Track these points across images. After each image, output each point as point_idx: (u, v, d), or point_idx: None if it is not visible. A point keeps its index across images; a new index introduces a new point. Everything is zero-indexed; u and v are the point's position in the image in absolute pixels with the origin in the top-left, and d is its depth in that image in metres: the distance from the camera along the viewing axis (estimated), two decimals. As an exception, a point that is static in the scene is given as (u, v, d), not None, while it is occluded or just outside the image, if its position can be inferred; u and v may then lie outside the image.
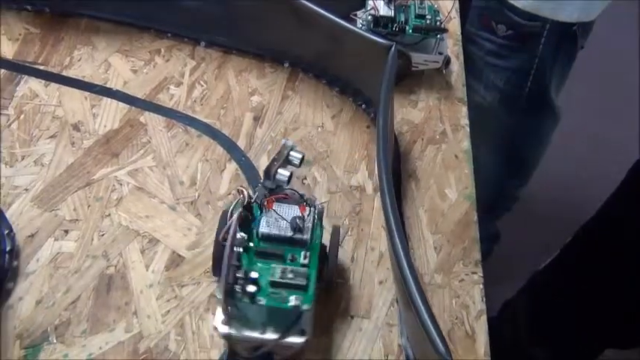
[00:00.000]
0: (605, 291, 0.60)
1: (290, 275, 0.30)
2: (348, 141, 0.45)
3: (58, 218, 0.38)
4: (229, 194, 0.40)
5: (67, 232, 0.37)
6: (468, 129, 0.46)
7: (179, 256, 0.37)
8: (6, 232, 0.36)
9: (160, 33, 0.50)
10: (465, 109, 0.48)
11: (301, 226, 0.32)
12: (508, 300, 0.75)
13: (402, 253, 0.29)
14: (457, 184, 0.43)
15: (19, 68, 0.46)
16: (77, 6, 0.50)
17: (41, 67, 0.46)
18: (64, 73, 0.46)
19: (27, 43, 0.48)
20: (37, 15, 0.50)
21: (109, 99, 0.45)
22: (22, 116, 0.43)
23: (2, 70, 0.45)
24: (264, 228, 0.32)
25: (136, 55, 0.48)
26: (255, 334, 0.29)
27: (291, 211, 0.32)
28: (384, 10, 0.47)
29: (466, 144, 0.45)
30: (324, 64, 0.48)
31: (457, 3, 0.50)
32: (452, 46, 0.52)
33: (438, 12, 0.48)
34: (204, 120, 0.44)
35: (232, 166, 0.42)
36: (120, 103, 0.45)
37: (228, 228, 0.30)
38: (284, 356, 0.31)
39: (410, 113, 0.47)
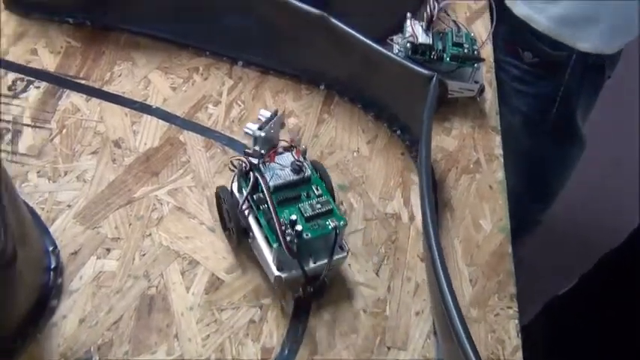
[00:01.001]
0: (628, 319, 0.60)
1: (318, 206, 0.35)
2: (384, 167, 0.45)
3: (100, 236, 0.38)
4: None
5: (109, 250, 0.38)
6: (502, 159, 0.47)
7: (218, 279, 0.38)
8: (51, 248, 0.37)
9: (198, 50, 0.50)
10: (498, 139, 0.48)
11: (301, 166, 0.36)
12: (525, 324, 0.75)
13: (445, 288, 0.30)
14: (492, 215, 0.43)
15: (62, 82, 0.47)
16: (118, 20, 0.50)
17: (82, 82, 0.47)
18: (105, 89, 0.47)
19: (68, 56, 0.48)
20: (78, 28, 0.50)
21: (149, 116, 0.46)
22: (64, 131, 0.44)
23: (45, 84, 0.46)
24: (272, 182, 0.35)
25: (175, 72, 0.49)
26: (310, 265, 0.34)
27: (287, 158, 0.36)
28: (422, 38, 0.47)
29: (500, 174, 0.46)
30: (359, 88, 0.48)
31: (492, 29, 0.51)
32: (485, 72, 0.53)
33: (475, 40, 0.49)
34: (242, 141, 0.45)
35: (270, 189, 0.43)
36: (160, 120, 0.45)
37: (264, 193, 0.34)
38: (330, 277, 0.36)
39: (444, 141, 0.48)
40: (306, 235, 0.34)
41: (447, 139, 0.48)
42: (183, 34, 0.50)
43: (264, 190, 0.34)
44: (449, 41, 0.48)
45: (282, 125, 0.38)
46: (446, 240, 0.41)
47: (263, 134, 0.36)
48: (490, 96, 0.51)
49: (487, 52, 0.54)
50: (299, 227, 0.33)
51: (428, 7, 0.48)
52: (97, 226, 0.39)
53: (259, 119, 0.37)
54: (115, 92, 0.47)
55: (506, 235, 0.42)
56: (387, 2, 0.53)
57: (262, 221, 0.35)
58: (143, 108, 0.46)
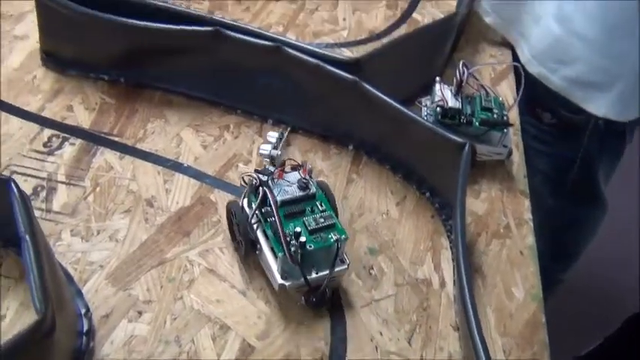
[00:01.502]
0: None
1: (321, 220, 0.37)
2: (413, 230, 0.45)
3: (132, 298, 0.38)
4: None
5: (140, 313, 0.38)
6: (532, 224, 0.47)
7: (249, 345, 0.37)
8: (83, 311, 0.36)
9: (229, 109, 0.51)
10: (527, 203, 0.48)
11: (307, 184, 0.39)
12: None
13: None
14: (523, 282, 0.43)
15: (96, 139, 0.47)
16: (152, 79, 0.52)
17: (116, 139, 0.48)
18: (138, 146, 0.48)
19: (103, 113, 0.49)
20: (112, 85, 0.52)
21: (181, 174, 0.46)
22: (97, 189, 0.44)
23: (80, 140, 0.47)
24: (279, 197, 0.38)
25: (206, 130, 0.50)
26: (312, 275, 0.37)
27: (294, 176, 0.39)
28: (452, 102, 0.48)
29: (530, 240, 0.46)
30: (388, 150, 0.49)
31: (519, 96, 0.51)
32: (511, 135, 0.53)
33: (504, 105, 0.49)
34: (273, 201, 0.45)
35: (300, 252, 0.42)
36: (191, 179, 0.46)
37: (271, 207, 0.37)
38: (332, 288, 0.39)
39: (473, 204, 0.48)
40: (310, 246, 0.36)
41: (476, 202, 0.48)
42: (214, 92, 0.51)
43: (272, 203, 0.37)
44: (478, 105, 0.49)
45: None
46: (478, 308, 0.41)
47: (279, 153, 0.41)
48: (517, 159, 0.51)
49: (513, 114, 0.55)
50: (303, 239, 0.36)
51: (457, 72, 0.48)
52: (129, 288, 0.39)
53: (269, 141, 0.43)
54: (147, 150, 0.47)
55: (539, 304, 0.42)
56: (414, 65, 0.54)
57: (269, 233, 0.38)
58: (175, 166, 0.47)
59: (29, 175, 0.44)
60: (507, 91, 0.58)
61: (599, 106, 0.58)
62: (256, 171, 0.39)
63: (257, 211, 0.38)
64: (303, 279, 0.36)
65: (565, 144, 0.62)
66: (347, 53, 0.59)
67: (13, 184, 0.33)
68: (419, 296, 0.41)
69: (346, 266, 0.38)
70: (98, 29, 0.49)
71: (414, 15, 0.65)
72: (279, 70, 0.49)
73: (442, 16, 0.65)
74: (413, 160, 0.48)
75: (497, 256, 0.44)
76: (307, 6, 0.63)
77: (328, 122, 0.50)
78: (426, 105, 0.50)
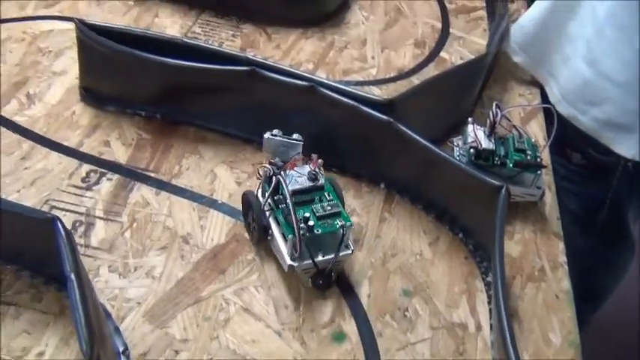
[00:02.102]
0: None
1: (328, 208, 0.41)
2: (447, 272, 0.45)
3: (169, 337, 0.38)
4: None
5: (177, 352, 0.38)
6: (567, 267, 0.46)
7: (285, 387, 0.37)
8: (121, 349, 0.37)
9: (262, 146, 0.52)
10: (561, 245, 0.48)
11: (317, 175, 0.42)
12: None
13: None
14: (560, 328, 0.42)
15: (132, 174, 0.48)
16: (187, 115, 0.53)
17: (152, 175, 0.48)
18: (174, 182, 0.48)
19: (139, 148, 0.50)
20: (148, 121, 0.52)
21: (216, 211, 0.46)
22: (134, 224, 0.45)
23: (117, 176, 0.48)
24: (291, 186, 0.41)
25: (240, 167, 0.50)
26: (319, 258, 0.40)
27: (305, 168, 0.42)
28: (485, 143, 0.48)
29: (566, 284, 0.45)
30: (420, 189, 0.49)
31: (551, 139, 0.51)
32: (544, 176, 0.53)
33: (537, 147, 0.50)
34: (307, 240, 0.45)
35: (334, 292, 0.42)
36: (226, 216, 0.46)
37: (283, 194, 0.41)
38: (338, 271, 0.42)
39: (507, 246, 0.47)
40: (317, 230, 0.40)
41: (510, 244, 0.47)
42: (248, 130, 0.52)
43: (285, 189, 0.40)
44: (511, 147, 0.49)
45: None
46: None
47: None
48: (550, 200, 0.51)
49: (545, 155, 0.55)
50: (311, 222, 0.40)
51: (490, 113, 0.49)
52: (166, 326, 0.39)
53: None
54: (183, 186, 0.48)
55: (576, 350, 0.41)
56: (446, 105, 0.55)
57: (280, 219, 0.41)
58: (210, 203, 0.47)
59: (68, 210, 0.45)
60: (537, 130, 0.58)
61: (628, 147, 0.58)
62: (270, 163, 0.42)
63: (270, 199, 0.42)
64: (310, 261, 0.40)
65: (594, 184, 0.62)
66: (376, 91, 0.60)
67: (59, 223, 0.34)
68: (455, 340, 0.41)
69: (350, 251, 0.41)
70: (136, 67, 0.50)
71: (442, 54, 0.66)
72: (313, 109, 0.49)
73: (469, 54, 0.66)
74: (446, 200, 0.48)
75: (533, 300, 0.44)
76: (337, 44, 0.64)
77: (361, 161, 0.50)
78: (457, 145, 0.50)
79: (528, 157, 0.48)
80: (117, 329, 0.38)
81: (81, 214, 0.45)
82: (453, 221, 0.48)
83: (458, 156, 0.49)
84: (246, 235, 0.45)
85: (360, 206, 0.49)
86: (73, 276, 0.32)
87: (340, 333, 0.40)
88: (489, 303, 0.43)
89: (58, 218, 0.34)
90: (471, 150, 0.48)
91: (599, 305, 0.71)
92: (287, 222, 0.40)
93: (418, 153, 0.46)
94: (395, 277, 0.44)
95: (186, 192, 0.48)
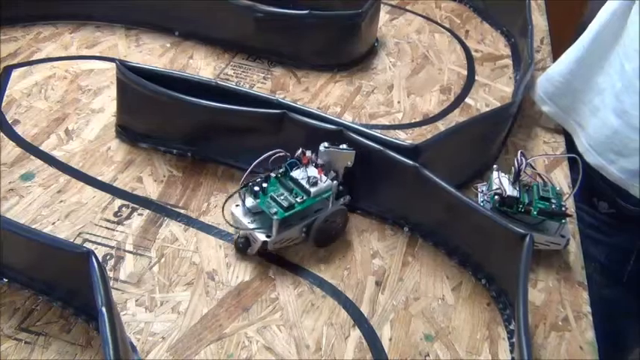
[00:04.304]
0: None
1: (290, 198, 0.45)
2: (469, 318, 0.45)
3: (192, 373, 0.39)
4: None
5: (199, 389, 0.38)
6: (591, 317, 0.46)
7: None
8: (145, 384, 0.37)
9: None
10: (585, 295, 0.47)
11: (314, 182, 0.46)
12: None
13: None
14: (585, 380, 0.42)
15: (162, 210, 0.49)
16: (217, 154, 0.54)
17: (181, 211, 0.50)
18: (202, 219, 0.49)
19: (170, 185, 0.52)
20: (179, 158, 0.54)
21: (241, 249, 0.47)
22: (162, 260, 0.46)
23: (147, 211, 0.49)
24: (294, 174, 0.46)
25: (267, 206, 0.51)
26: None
27: (312, 170, 0.47)
28: (509, 190, 0.49)
29: (590, 335, 0.45)
30: (444, 234, 0.49)
31: (576, 189, 0.52)
32: (568, 224, 0.53)
33: (561, 195, 0.50)
34: (329, 280, 0.46)
35: (356, 334, 0.43)
36: (251, 254, 0.47)
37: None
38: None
39: (531, 293, 0.47)
40: (256, 201, 0.46)
41: (534, 292, 0.47)
42: (274, 169, 0.53)
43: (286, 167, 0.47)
44: (535, 195, 0.49)
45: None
46: (538, 405, 0.40)
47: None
48: (574, 248, 0.51)
49: (569, 203, 0.55)
50: (257, 189, 0.45)
51: (515, 161, 0.49)
52: (189, 362, 0.39)
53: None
54: (210, 223, 0.49)
55: (602, 404, 0.40)
56: (471, 151, 0.56)
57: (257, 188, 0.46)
58: (236, 240, 0.48)
59: (99, 244, 0.46)
60: (562, 179, 0.58)
61: None
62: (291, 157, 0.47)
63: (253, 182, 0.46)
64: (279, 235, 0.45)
65: (621, 234, 0.61)
66: (401, 135, 0.61)
67: (93, 258, 0.35)
68: (477, 388, 0.40)
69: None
70: (170, 107, 0.52)
71: (467, 100, 0.67)
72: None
73: (494, 101, 0.67)
74: (469, 245, 0.48)
75: (557, 350, 0.43)
76: (364, 88, 0.66)
77: (385, 204, 0.51)
78: (482, 191, 0.51)
79: (553, 206, 0.48)
80: (142, 364, 0.38)
81: (111, 247, 0.46)
82: (477, 267, 0.48)
83: (482, 202, 0.50)
84: (270, 273, 0.46)
85: (384, 249, 0.49)
86: (104, 310, 0.33)
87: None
88: (512, 351, 0.42)
89: (93, 253, 0.36)
90: (496, 197, 0.48)
91: (626, 356, 0.70)
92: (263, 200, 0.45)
93: (443, 198, 0.47)
94: (417, 321, 0.44)
95: (213, 229, 0.49)
